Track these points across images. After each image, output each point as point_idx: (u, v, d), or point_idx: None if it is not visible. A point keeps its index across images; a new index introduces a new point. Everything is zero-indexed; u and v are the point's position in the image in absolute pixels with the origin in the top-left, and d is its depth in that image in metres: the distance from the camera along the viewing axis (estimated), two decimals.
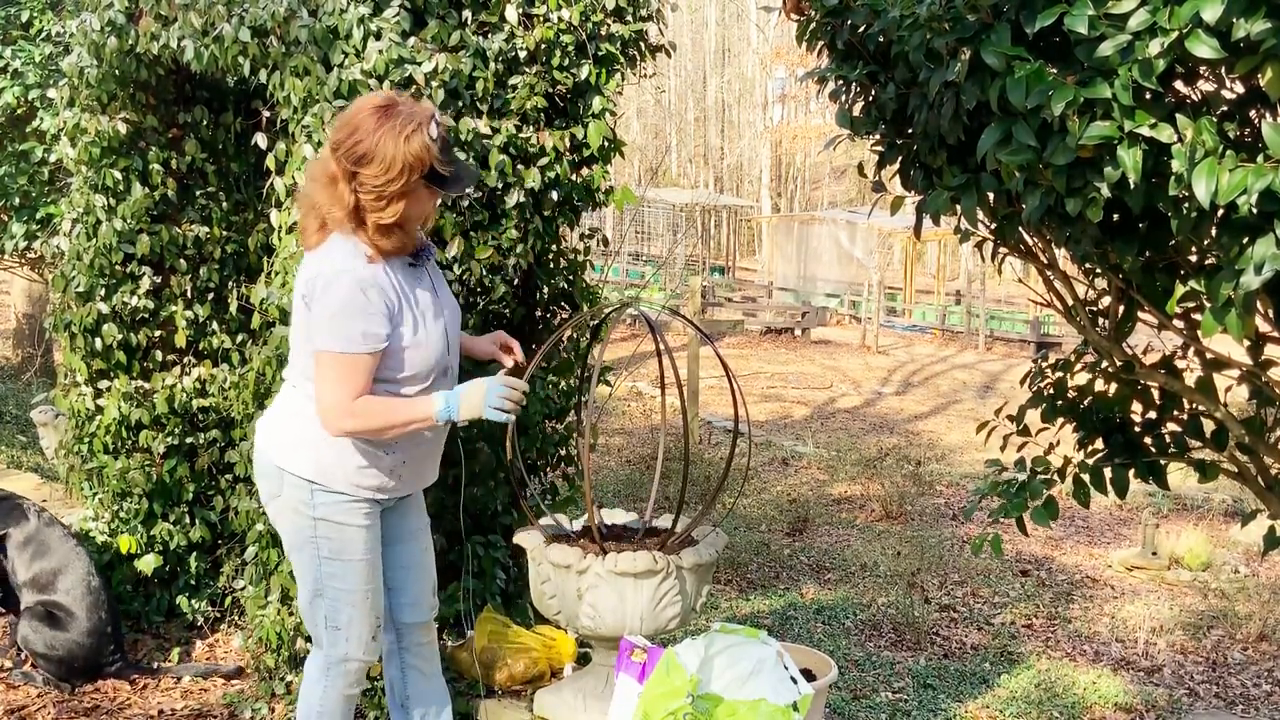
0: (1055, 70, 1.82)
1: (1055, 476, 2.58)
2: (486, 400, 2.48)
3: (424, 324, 2.55)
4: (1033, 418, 2.70)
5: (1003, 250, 2.50)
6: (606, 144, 3.39)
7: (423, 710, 2.93)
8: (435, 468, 2.81)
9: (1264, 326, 2.12)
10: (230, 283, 4.01)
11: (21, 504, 3.73)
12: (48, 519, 3.70)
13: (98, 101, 3.73)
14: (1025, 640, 4.98)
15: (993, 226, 2.35)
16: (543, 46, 3.28)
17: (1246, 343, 2.02)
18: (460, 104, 3.21)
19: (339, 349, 2.43)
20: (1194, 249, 2.06)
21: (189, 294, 3.94)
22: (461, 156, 2.77)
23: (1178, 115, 1.73)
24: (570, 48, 3.32)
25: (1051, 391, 2.68)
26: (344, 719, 2.75)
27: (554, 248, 3.62)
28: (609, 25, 3.38)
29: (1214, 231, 1.79)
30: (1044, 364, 2.76)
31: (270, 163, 3.24)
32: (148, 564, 3.94)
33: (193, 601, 4.02)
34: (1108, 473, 2.53)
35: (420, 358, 2.55)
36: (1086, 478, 2.56)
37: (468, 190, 2.78)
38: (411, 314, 2.52)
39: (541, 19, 3.30)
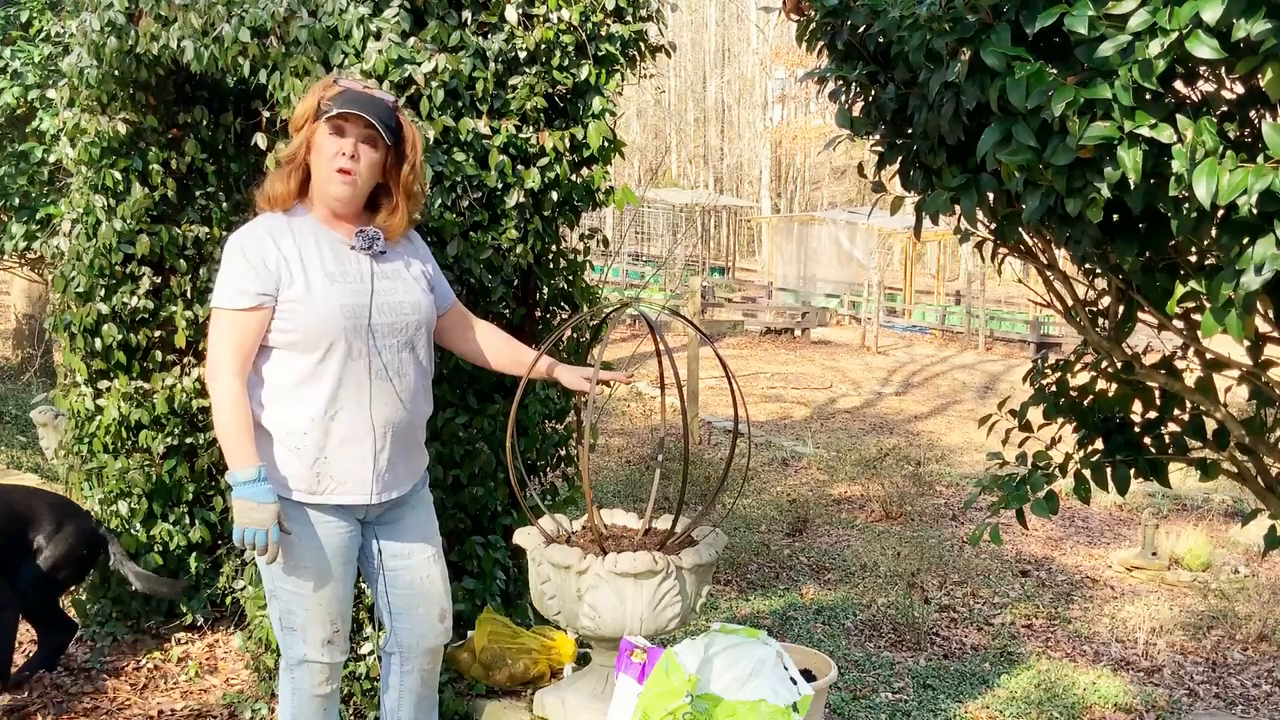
0: (1055, 70, 1.82)
1: (1056, 472, 2.58)
2: (250, 519, 2.41)
3: (319, 289, 2.50)
4: (1034, 416, 2.70)
5: (1003, 250, 2.50)
6: (606, 144, 3.39)
7: None
8: (387, 476, 2.61)
9: (1264, 326, 2.12)
10: None
11: None
12: None
13: (97, 102, 3.73)
14: (1025, 640, 4.97)
15: (993, 226, 2.35)
16: (542, 47, 3.29)
17: (1246, 343, 2.02)
18: (460, 104, 3.21)
19: (214, 303, 2.53)
20: (1194, 249, 2.06)
21: (189, 294, 3.95)
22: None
23: (1178, 115, 1.73)
24: (570, 48, 3.32)
25: (1054, 390, 2.67)
26: (319, 717, 2.69)
27: (554, 248, 3.62)
28: (609, 25, 3.38)
29: (1214, 232, 1.79)
30: (1044, 364, 2.76)
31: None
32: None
33: (192, 602, 4.02)
34: (1109, 470, 2.53)
35: (305, 318, 2.48)
36: (1088, 473, 2.55)
37: (369, 121, 2.48)
38: (304, 273, 2.50)
39: (541, 19, 3.30)
